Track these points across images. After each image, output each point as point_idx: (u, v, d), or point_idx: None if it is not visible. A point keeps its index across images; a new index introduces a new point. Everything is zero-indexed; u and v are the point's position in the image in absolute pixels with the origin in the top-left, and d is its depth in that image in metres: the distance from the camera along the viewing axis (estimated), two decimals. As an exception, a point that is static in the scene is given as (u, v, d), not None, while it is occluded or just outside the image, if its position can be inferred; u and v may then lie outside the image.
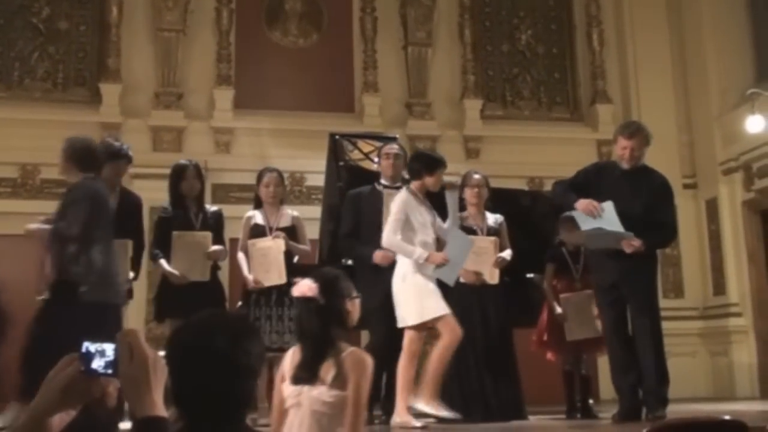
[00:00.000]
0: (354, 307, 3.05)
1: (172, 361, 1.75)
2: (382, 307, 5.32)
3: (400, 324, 5.02)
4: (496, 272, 5.71)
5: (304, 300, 2.98)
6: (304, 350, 2.93)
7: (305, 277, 3.03)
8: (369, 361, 2.92)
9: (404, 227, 5.01)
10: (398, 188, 5.74)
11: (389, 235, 5.01)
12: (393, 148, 5.90)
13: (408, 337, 4.97)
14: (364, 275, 5.57)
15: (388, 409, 5.54)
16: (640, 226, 5.12)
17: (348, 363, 2.86)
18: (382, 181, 5.80)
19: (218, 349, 1.75)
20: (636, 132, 5.36)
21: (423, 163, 5.22)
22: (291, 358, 2.97)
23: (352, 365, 2.86)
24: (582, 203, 5.14)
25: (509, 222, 5.97)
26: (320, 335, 2.91)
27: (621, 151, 5.35)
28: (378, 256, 5.36)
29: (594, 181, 5.41)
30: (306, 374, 2.88)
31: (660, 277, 8.96)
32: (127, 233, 5.14)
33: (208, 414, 1.74)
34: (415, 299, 4.97)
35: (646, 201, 5.24)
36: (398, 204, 5.06)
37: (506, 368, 5.67)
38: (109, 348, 1.56)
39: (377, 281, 5.34)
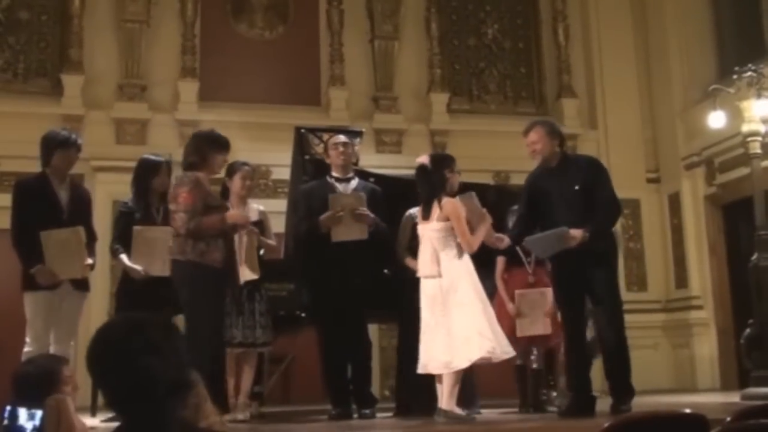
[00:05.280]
0: (452, 175, 4.95)
1: (87, 365, 1.73)
2: (332, 303, 5.39)
3: None
4: None
5: (421, 166, 4.95)
6: (422, 200, 4.91)
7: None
8: (458, 203, 4.81)
9: None
10: (349, 179, 5.72)
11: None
12: (339, 137, 5.83)
13: None
14: (313, 269, 5.58)
15: (364, 402, 5.54)
16: (581, 212, 5.10)
17: (446, 206, 4.77)
18: (333, 173, 5.75)
19: (110, 339, 1.75)
20: (528, 129, 5.38)
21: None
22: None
23: (449, 207, 4.77)
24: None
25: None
26: (430, 189, 4.87)
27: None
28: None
29: (534, 190, 5.42)
30: (425, 214, 4.87)
31: (623, 271, 9.10)
32: (78, 225, 5.06)
33: (128, 407, 1.72)
34: None
35: (580, 185, 5.21)
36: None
37: None
38: (38, 414, 1.55)
39: (328, 276, 5.42)
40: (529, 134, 5.36)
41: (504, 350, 4.71)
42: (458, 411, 4.70)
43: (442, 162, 5.00)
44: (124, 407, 1.73)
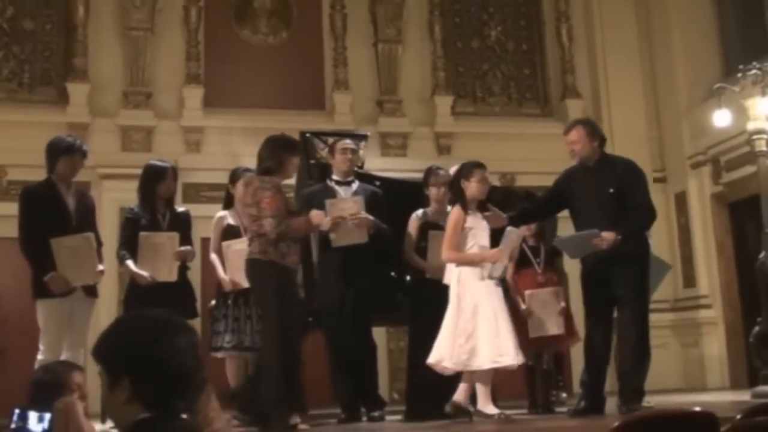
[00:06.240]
0: (468, 185, 5.06)
1: (102, 358, 1.74)
2: (338, 307, 5.38)
3: None
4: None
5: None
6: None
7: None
8: (459, 212, 4.99)
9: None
10: (350, 183, 5.71)
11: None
12: (348, 143, 5.80)
13: None
14: (323, 275, 5.58)
15: (373, 405, 5.53)
16: (614, 215, 5.11)
17: (450, 214, 5.06)
18: (334, 176, 5.74)
19: (132, 334, 1.76)
20: (569, 128, 5.44)
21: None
22: None
23: (450, 215, 5.04)
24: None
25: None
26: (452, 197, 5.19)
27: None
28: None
29: (566, 188, 5.45)
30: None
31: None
32: (86, 231, 5.09)
33: (149, 401, 1.72)
34: None
35: (614, 188, 5.23)
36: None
37: None
38: (47, 416, 1.56)
39: (334, 281, 5.43)
40: (569, 134, 5.40)
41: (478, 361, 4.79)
42: (490, 410, 4.81)
43: (459, 172, 5.16)
44: (146, 402, 1.72)
